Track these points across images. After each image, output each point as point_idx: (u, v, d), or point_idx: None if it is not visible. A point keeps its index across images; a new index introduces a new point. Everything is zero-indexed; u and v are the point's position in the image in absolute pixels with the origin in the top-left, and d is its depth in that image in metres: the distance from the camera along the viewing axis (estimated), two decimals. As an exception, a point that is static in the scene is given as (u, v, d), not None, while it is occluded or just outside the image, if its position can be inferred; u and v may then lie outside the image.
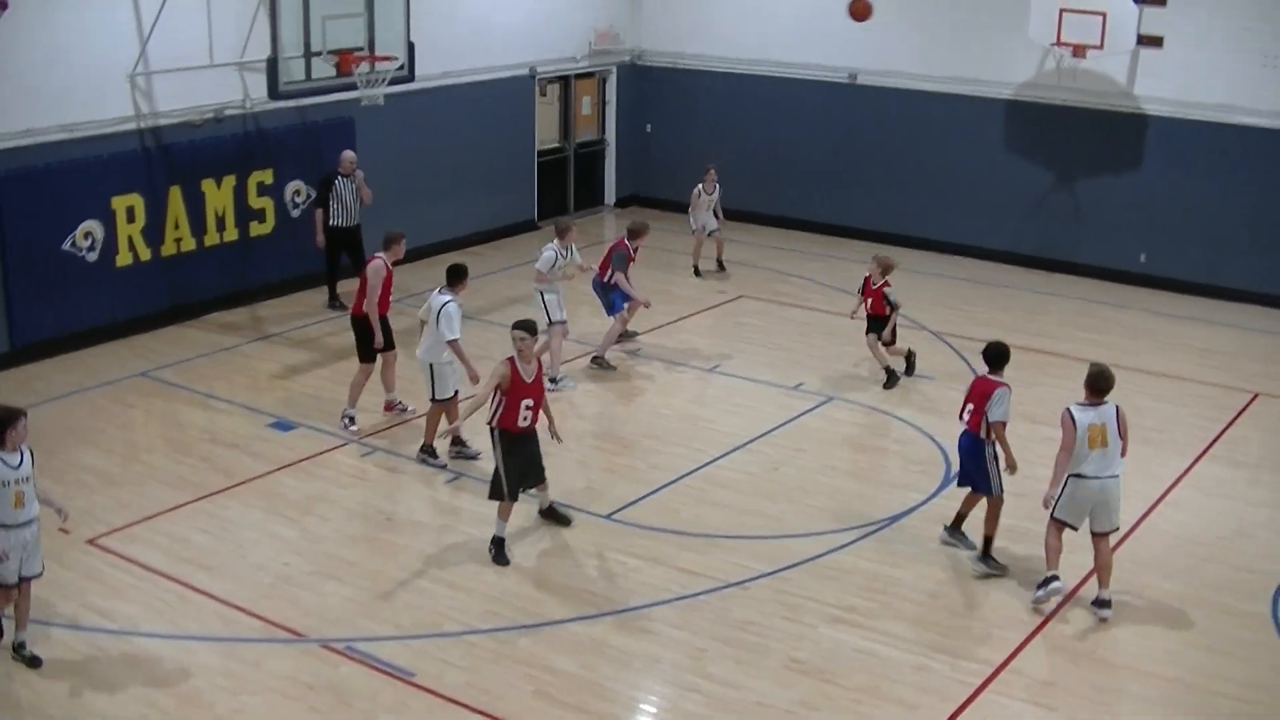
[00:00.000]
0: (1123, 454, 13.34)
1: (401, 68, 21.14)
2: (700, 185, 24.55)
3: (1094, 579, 13.58)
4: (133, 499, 15.40)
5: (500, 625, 13.02)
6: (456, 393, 16.68)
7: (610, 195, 30.19)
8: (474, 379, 16.15)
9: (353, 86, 20.72)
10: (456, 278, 16.45)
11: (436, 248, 25.05)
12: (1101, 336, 21.87)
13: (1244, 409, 19.07)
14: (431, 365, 16.40)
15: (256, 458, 16.67)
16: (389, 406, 18.17)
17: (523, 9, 26.78)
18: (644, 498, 15.85)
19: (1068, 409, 13.28)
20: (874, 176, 27.29)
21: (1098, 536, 13.44)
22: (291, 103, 21.68)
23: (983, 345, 14.35)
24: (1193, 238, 24.34)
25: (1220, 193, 23.93)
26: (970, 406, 14.13)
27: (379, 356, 17.69)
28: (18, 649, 12.23)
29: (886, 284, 19.35)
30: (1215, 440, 17.96)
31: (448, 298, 16.24)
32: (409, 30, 21.14)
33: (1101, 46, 23.27)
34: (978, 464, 14.19)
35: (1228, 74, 23.52)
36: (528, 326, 14.29)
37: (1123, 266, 24.92)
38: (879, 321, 19.52)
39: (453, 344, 16.17)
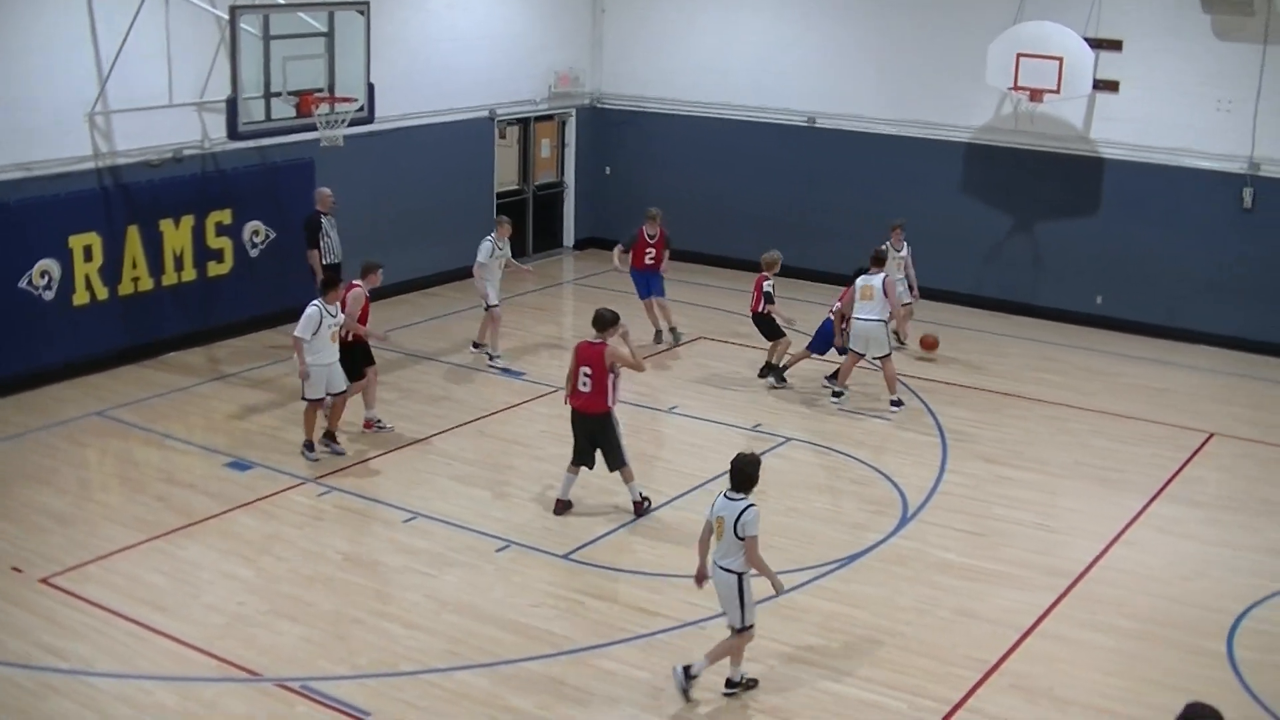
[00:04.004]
0: (890, 312, 20.29)
1: (361, 109, 21.10)
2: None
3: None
4: (87, 538, 15.28)
5: (457, 665, 12.94)
6: (341, 394, 17.96)
7: (569, 237, 30.20)
8: (303, 376, 17.61)
9: (312, 127, 20.70)
10: (327, 288, 17.75)
11: (396, 289, 25.04)
12: (1060, 378, 21.97)
13: (1199, 449, 19.16)
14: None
15: (213, 497, 16.57)
16: (368, 424, 18.69)
17: (483, 52, 26.86)
18: (602, 537, 15.82)
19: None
20: (833, 219, 27.36)
21: (881, 358, 20.26)
22: (251, 143, 21.61)
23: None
24: (1148, 280, 24.52)
25: (1175, 235, 24.13)
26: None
27: (366, 372, 18.54)
28: None
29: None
30: (1171, 480, 18.05)
31: (315, 303, 17.55)
32: (369, 72, 21.13)
33: (1058, 91, 23.47)
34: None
35: (1183, 118, 23.75)
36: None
37: (1080, 309, 25.05)
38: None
39: (296, 341, 17.52)
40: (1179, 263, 24.20)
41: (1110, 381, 22.10)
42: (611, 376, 15.96)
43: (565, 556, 15.30)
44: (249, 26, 19.43)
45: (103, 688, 12.36)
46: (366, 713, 12.08)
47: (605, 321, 16.03)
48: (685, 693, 12.39)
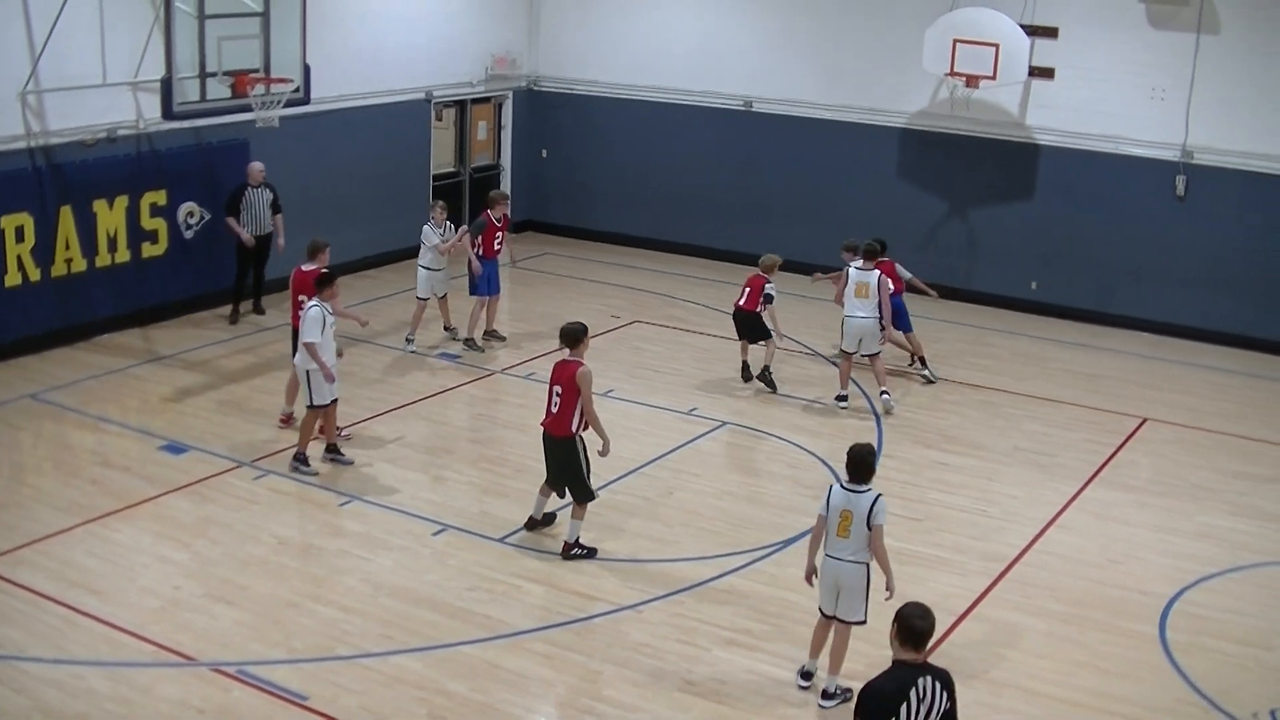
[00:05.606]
0: (880, 312, 19.46)
1: (297, 90, 21.00)
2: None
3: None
4: (20, 522, 15.13)
5: (393, 648, 12.92)
6: (334, 401, 17.06)
7: (506, 220, 30.10)
8: (329, 379, 16.62)
9: (248, 108, 20.55)
10: (324, 285, 16.82)
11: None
12: (993, 363, 22.10)
13: (1132, 434, 19.34)
14: (308, 372, 16.65)
15: (148, 481, 16.44)
16: (286, 419, 18.28)
17: (420, 33, 26.72)
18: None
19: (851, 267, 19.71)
20: (769, 203, 27.43)
21: (869, 357, 19.75)
22: (186, 123, 21.41)
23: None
24: (1082, 266, 24.70)
25: (1109, 222, 24.32)
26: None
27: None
28: None
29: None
30: (1104, 465, 18.20)
31: (314, 303, 16.61)
32: (305, 53, 21.03)
33: (994, 77, 23.58)
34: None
35: (1117, 106, 23.92)
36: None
37: (1015, 294, 25.20)
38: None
39: (309, 346, 16.47)
40: (1113, 249, 24.39)
41: (1044, 367, 22.26)
42: (580, 400, 14.64)
43: (501, 540, 15.28)
44: (184, 5, 19.25)
45: (35, 673, 12.26)
46: (303, 696, 12.04)
47: (575, 336, 14.89)
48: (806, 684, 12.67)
